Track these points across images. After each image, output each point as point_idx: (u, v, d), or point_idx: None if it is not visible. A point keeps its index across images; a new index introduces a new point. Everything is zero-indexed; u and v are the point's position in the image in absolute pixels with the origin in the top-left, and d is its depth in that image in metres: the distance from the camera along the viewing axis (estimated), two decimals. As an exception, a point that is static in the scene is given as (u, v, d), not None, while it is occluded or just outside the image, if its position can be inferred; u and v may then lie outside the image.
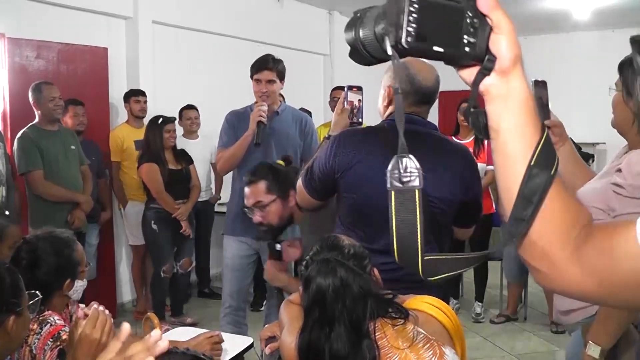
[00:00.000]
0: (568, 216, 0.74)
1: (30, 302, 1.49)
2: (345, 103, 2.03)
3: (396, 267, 1.83)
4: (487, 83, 0.70)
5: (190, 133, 4.94)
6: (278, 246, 2.26)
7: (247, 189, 2.21)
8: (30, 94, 3.70)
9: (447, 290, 2.03)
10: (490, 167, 4.52)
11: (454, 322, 1.49)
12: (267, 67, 3.09)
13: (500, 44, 0.68)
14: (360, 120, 2.07)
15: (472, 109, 0.73)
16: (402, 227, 0.67)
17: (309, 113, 5.64)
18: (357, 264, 1.42)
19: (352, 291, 1.37)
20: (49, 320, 1.69)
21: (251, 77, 3.16)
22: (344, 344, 1.34)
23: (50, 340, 1.64)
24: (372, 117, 2.13)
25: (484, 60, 0.68)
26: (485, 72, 0.69)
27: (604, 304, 0.77)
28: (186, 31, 5.35)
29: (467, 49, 0.66)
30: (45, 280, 1.74)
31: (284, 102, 4.80)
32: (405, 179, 0.67)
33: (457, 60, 0.69)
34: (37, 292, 1.54)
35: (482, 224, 4.60)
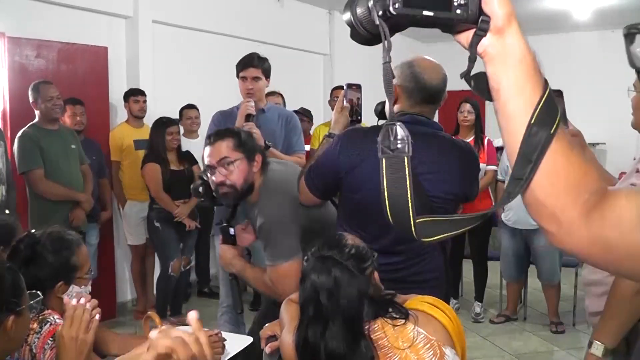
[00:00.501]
0: (573, 176, 0.72)
1: (31, 302, 1.49)
2: (345, 101, 2.01)
3: (397, 267, 1.84)
4: (484, 44, 0.70)
5: (191, 132, 4.94)
6: (232, 230, 2.20)
7: (209, 148, 2.09)
8: (29, 93, 3.71)
9: (448, 291, 2.03)
10: (490, 167, 4.52)
11: (455, 323, 1.49)
12: (252, 64, 3.12)
13: (493, 2, 0.68)
14: (359, 117, 2.06)
15: (469, 75, 0.73)
16: (394, 192, 0.68)
17: (309, 112, 5.67)
18: (355, 265, 1.41)
19: (346, 292, 1.37)
20: (49, 320, 1.68)
21: (237, 75, 3.18)
22: (340, 342, 1.34)
23: (50, 339, 1.63)
24: (370, 113, 2.12)
25: (478, 22, 0.68)
26: (480, 33, 0.69)
27: (610, 271, 0.77)
28: (186, 31, 5.35)
29: (458, 11, 0.66)
30: (39, 277, 1.71)
31: (284, 101, 4.85)
32: (394, 147, 0.68)
33: (450, 25, 0.68)
34: (38, 292, 1.53)
35: (481, 224, 4.59)
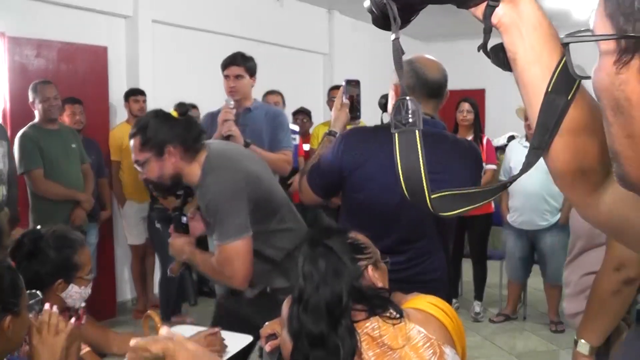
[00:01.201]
0: (593, 148, 0.71)
1: (31, 302, 1.49)
2: (345, 98, 1.99)
3: (400, 267, 1.84)
4: (498, 14, 0.70)
5: None
6: (184, 219, 2.16)
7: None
8: (29, 93, 3.72)
9: (451, 291, 2.03)
10: (490, 167, 4.52)
11: (455, 322, 1.49)
12: (235, 63, 3.14)
13: None
14: (359, 114, 2.05)
15: (486, 47, 0.73)
16: (408, 166, 0.69)
17: (309, 112, 5.67)
18: (346, 253, 1.42)
19: (319, 269, 1.37)
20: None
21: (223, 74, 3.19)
22: (317, 323, 1.34)
23: None
24: (370, 112, 2.12)
25: None
26: (493, 3, 0.69)
27: (629, 246, 0.76)
28: (186, 30, 5.35)
29: None
30: (40, 273, 1.73)
31: (283, 101, 4.85)
32: (406, 121, 0.69)
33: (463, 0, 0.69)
34: (37, 292, 1.54)
35: (481, 223, 4.62)
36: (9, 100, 3.99)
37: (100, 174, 4.36)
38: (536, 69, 0.70)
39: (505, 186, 0.75)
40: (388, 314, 1.40)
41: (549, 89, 0.68)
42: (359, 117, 2.05)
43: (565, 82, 0.68)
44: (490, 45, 0.74)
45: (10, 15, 4.06)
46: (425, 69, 1.86)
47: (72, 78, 4.36)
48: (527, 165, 0.72)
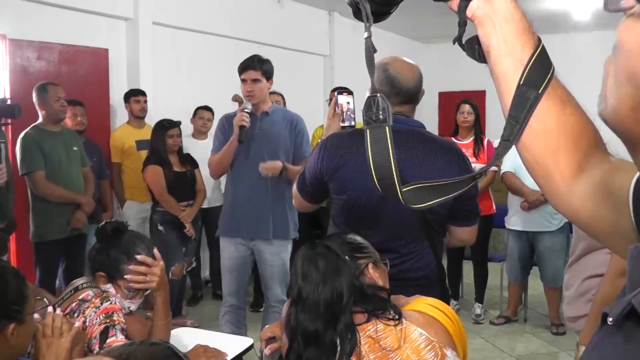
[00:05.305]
0: (565, 136, 0.72)
1: (39, 309, 1.50)
2: (337, 108, 2.05)
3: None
4: (472, 8, 0.72)
5: (200, 133, 4.94)
6: None
7: None
8: (34, 94, 3.70)
9: (444, 290, 2.03)
10: (490, 168, 4.52)
11: (456, 324, 1.49)
12: (251, 66, 3.14)
13: None
14: (352, 123, 2.09)
15: (461, 40, 0.74)
16: (378, 162, 0.70)
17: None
18: (345, 252, 1.43)
19: (319, 268, 1.38)
20: (110, 299, 1.74)
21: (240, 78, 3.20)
22: (314, 321, 1.34)
23: (103, 315, 1.69)
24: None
25: None
26: None
27: (597, 239, 0.76)
28: (186, 32, 5.36)
29: None
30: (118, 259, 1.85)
31: (284, 102, 4.85)
32: (376, 117, 0.71)
33: None
34: (45, 298, 1.55)
35: (482, 225, 4.60)
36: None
37: (101, 176, 4.36)
38: (508, 61, 0.71)
39: (474, 177, 0.76)
40: (388, 316, 1.40)
41: (521, 82, 0.70)
42: (353, 126, 2.09)
43: (539, 74, 0.70)
44: (465, 38, 0.75)
45: (12, 17, 4.06)
46: (400, 76, 1.91)
47: (73, 80, 4.37)
48: (496, 156, 0.75)
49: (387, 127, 0.71)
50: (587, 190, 0.71)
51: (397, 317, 1.39)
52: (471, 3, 0.72)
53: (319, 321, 1.34)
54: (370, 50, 0.71)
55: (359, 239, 1.52)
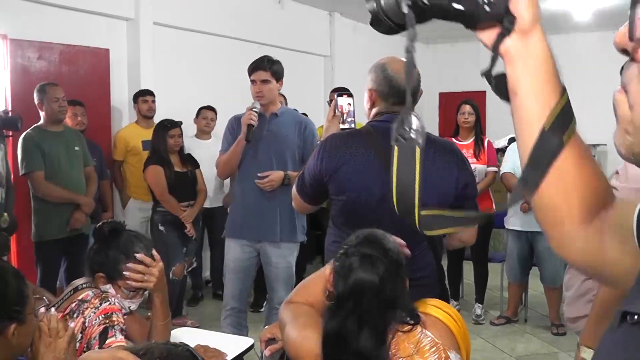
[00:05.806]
0: (582, 186, 0.72)
1: (37, 308, 1.50)
2: (337, 110, 2.05)
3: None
4: (506, 44, 0.69)
5: (203, 133, 4.94)
6: None
7: None
8: (35, 94, 3.70)
9: (443, 291, 2.04)
10: (491, 169, 4.51)
11: (460, 325, 1.49)
12: (261, 67, 3.12)
13: (520, 3, 0.67)
14: (352, 125, 2.09)
15: (490, 74, 0.72)
16: (403, 181, 0.69)
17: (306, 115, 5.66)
18: (394, 269, 1.43)
19: (386, 294, 1.38)
20: (110, 300, 1.74)
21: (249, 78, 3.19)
22: (371, 343, 1.34)
23: (102, 316, 1.68)
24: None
25: (503, 21, 0.68)
26: (505, 32, 0.69)
27: (602, 282, 0.77)
28: (187, 32, 5.36)
29: (486, 7, 0.66)
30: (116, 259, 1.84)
31: (285, 103, 4.84)
32: (407, 136, 0.69)
33: (476, 20, 0.68)
34: (45, 298, 1.55)
35: (482, 225, 4.61)
36: (11, 103, 3.99)
37: (102, 176, 4.36)
38: (535, 105, 0.70)
39: (489, 217, 0.78)
40: (402, 321, 1.41)
41: (546, 127, 0.68)
42: (353, 127, 2.09)
43: (563, 121, 0.69)
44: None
45: (13, 17, 4.07)
46: (398, 76, 1.92)
47: (74, 80, 4.37)
48: (514, 198, 0.73)
49: (417, 148, 0.68)
50: (593, 242, 0.72)
51: (413, 321, 1.40)
52: (507, 39, 0.69)
53: (372, 343, 1.35)
54: (411, 65, 0.69)
55: (398, 248, 1.52)
